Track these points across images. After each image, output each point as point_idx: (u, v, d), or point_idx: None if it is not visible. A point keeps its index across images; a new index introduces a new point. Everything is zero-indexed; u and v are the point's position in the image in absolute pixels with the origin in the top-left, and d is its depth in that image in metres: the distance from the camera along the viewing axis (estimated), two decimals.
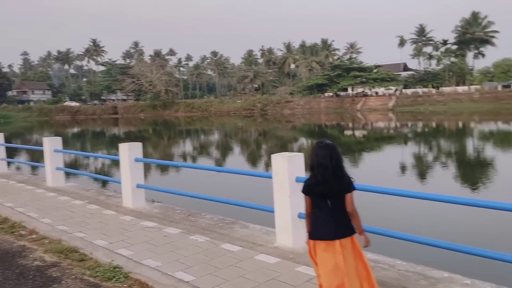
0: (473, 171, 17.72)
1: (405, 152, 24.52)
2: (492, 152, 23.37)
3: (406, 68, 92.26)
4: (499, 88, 68.50)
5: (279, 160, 4.96)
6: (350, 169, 18.81)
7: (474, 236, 7.97)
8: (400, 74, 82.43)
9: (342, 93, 79.51)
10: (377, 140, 32.64)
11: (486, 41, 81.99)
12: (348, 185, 3.06)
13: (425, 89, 74.71)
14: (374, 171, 17.46)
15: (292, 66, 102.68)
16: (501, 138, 31.52)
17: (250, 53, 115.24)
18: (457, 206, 4.18)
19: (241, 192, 11.15)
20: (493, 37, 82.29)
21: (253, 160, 23.38)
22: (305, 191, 3.13)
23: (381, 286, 3.77)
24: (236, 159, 24.00)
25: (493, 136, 32.55)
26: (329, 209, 3.06)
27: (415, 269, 4.14)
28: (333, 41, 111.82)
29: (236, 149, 29.75)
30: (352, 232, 3.09)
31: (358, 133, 39.09)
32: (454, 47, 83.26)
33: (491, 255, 3.72)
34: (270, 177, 5.10)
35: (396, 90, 77.35)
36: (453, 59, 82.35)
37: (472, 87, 71.99)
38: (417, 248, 5.82)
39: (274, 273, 4.06)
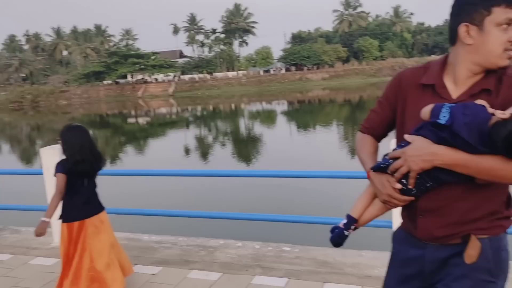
0: (247, 147, 19.65)
1: (189, 135, 25.48)
2: (260, 129, 26.27)
3: (182, 55, 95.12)
4: (261, 72, 77.02)
5: (49, 154, 4.56)
6: (134, 156, 18.67)
7: (235, 204, 8.90)
8: (177, 61, 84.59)
9: (122, 81, 77.39)
10: (161, 125, 33.01)
11: (248, 30, 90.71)
12: (103, 163, 3.30)
13: (201, 75, 78.64)
14: (161, 156, 17.70)
15: (65, 53, 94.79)
16: (265, 116, 35.64)
17: (12, 38, 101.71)
18: (225, 179, 4.63)
19: (10, 194, 9.95)
20: (253, 27, 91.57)
21: (27, 157, 21.02)
22: (66, 171, 3.10)
23: (165, 263, 3.97)
24: (5, 158, 21.18)
25: (259, 115, 36.56)
26: (86, 189, 3.22)
27: (195, 242, 4.46)
28: (107, 27, 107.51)
29: (5, 148, 26.20)
30: (102, 209, 3.31)
31: (142, 120, 38.86)
32: (222, 35, 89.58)
33: (253, 217, 4.26)
34: (41, 174, 4.71)
35: (175, 76, 79.21)
36: (222, 46, 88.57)
37: (240, 72, 79.04)
38: (197, 224, 6.26)
39: (53, 275, 3.83)
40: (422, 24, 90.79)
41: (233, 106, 48.73)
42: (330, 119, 28.51)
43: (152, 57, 77.02)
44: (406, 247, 1.75)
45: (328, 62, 74.29)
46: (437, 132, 1.51)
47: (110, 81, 76.21)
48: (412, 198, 1.60)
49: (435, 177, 1.53)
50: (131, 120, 39.70)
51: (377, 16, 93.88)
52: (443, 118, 1.49)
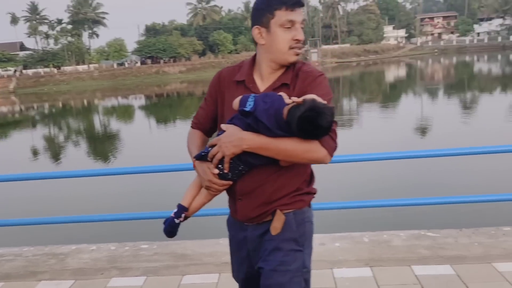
0: (103, 144, 18.68)
1: (36, 136, 23.36)
2: (117, 125, 25.19)
3: (23, 48, 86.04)
4: (115, 66, 73.63)
5: None
6: None
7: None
8: (18, 54, 76.33)
9: None
10: (1, 126, 29.83)
11: (98, 21, 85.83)
12: None
13: (47, 69, 72.18)
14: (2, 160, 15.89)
15: None
16: (122, 111, 34.28)
17: None
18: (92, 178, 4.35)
19: None
20: (104, 18, 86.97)
21: None
22: None
23: (7, 278, 3.62)
24: None
25: (115, 111, 35.01)
26: None
27: (43, 251, 4.13)
28: None
29: None
30: None
31: None
32: (70, 26, 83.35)
33: (108, 218, 4.08)
34: None
35: (16, 71, 71.47)
36: (70, 38, 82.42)
37: (92, 65, 74.48)
38: (46, 231, 5.78)
39: None
40: None
41: (85, 102, 45.81)
42: (190, 113, 28.56)
43: None
44: (236, 231, 1.94)
45: (185, 55, 74.10)
46: (244, 120, 1.71)
47: None
48: (230, 182, 1.79)
49: (245, 161, 1.73)
50: None
51: (230, 10, 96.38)
52: (249, 106, 1.68)
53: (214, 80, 1.98)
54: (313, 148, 1.67)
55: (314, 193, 1.91)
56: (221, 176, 1.76)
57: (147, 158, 13.33)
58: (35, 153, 17.64)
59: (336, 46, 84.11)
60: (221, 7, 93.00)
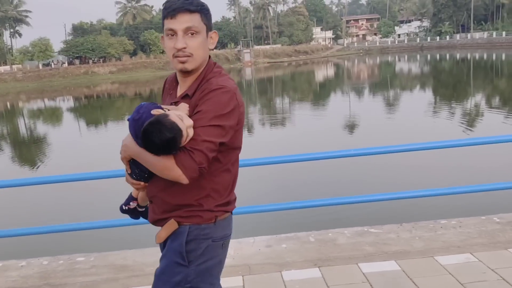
0: (30, 150, 17.57)
1: None
2: (44, 128, 23.82)
3: None
4: (40, 66, 69.78)
5: None
6: None
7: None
8: None
9: None
10: None
11: (20, 20, 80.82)
12: None
13: None
14: None
15: None
16: (49, 114, 32.49)
17: None
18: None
19: None
20: (27, 16, 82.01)
21: None
22: None
23: None
24: None
25: (41, 113, 33.11)
26: None
27: None
28: None
29: None
30: None
31: None
32: None
33: (39, 231, 3.78)
34: None
35: None
36: None
37: (15, 66, 70.08)
38: None
39: None
40: None
41: (8, 104, 42.94)
42: (122, 114, 27.62)
43: None
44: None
45: (115, 55, 71.71)
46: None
47: None
48: (139, 182, 1.86)
49: (137, 166, 1.79)
50: None
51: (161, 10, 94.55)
52: (133, 114, 1.74)
53: (163, 85, 2.08)
54: (168, 166, 1.66)
55: (225, 211, 1.87)
56: (130, 175, 1.86)
57: (77, 163, 12.67)
58: None
59: (267, 46, 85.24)
60: (152, 6, 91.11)
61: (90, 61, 70.82)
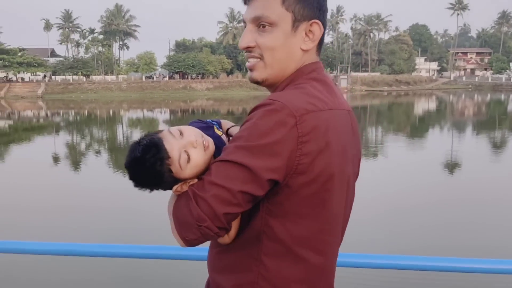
0: (124, 155, 17.75)
1: (58, 142, 22.65)
2: (138, 136, 24.32)
3: (54, 54, 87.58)
4: (144, 78, 73.95)
5: None
6: None
7: None
8: (48, 60, 77.48)
9: None
10: (26, 130, 29.46)
11: (129, 33, 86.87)
12: None
13: (76, 77, 72.93)
14: (24, 165, 15.07)
15: None
16: (147, 124, 33.56)
17: None
18: None
19: None
20: (135, 30, 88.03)
21: None
22: None
23: None
24: None
25: (140, 123, 34.35)
26: None
27: None
28: None
29: None
30: None
31: (3, 123, 34.21)
32: (101, 36, 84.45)
33: None
34: None
35: (45, 76, 72.41)
36: (100, 48, 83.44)
37: (120, 76, 75.04)
38: None
39: None
40: None
41: (111, 112, 45.50)
42: None
43: (19, 54, 69.42)
44: None
45: (213, 72, 74.03)
46: None
47: None
48: None
49: None
50: None
51: None
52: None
53: None
54: (169, 210, 1.18)
55: None
56: None
57: None
58: (55, 159, 16.87)
59: (365, 74, 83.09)
60: None
61: (189, 77, 73.61)
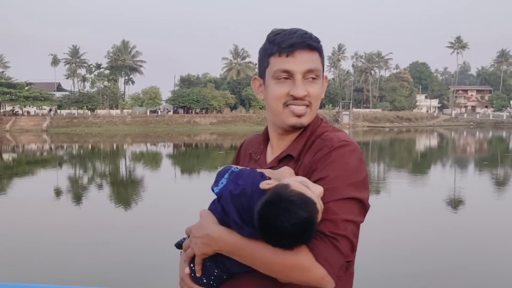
0: (126, 189, 17.85)
1: (61, 175, 22.80)
2: (142, 171, 24.47)
3: (60, 88, 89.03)
4: (148, 113, 74.80)
5: None
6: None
7: None
8: (54, 94, 78.71)
9: None
10: (29, 163, 29.63)
11: (135, 69, 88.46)
12: None
13: (81, 111, 73.83)
14: (25, 198, 15.15)
15: None
16: (150, 158, 33.76)
17: None
18: None
19: None
20: (141, 66, 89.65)
21: None
22: None
23: None
24: None
25: (143, 156, 34.56)
26: None
27: None
28: None
29: None
30: None
31: (7, 157, 34.46)
32: (107, 71, 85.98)
33: None
34: None
35: (51, 110, 73.34)
36: (106, 83, 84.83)
37: (125, 111, 75.90)
38: None
39: None
40: None
41: (115, 145, 45.83)
42: (216, 164, 27.77)
43: (26, 88, 70.62)
44: None
45: (217, 107, 74.86)
46: (217, 206, 1.28)
47: None
48: None
49: (221, 264, 1.28)
50: None
51: None
52: (220, 185, 1.26)
53: (238, 150, 1.65)
54: (301, 263, 1.14)
55: None
56: (195, 278, 1.33)
57: (164, 205, 12.26)
58: (58, 193, 16.96)
59: (367, 110, 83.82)
60: (256, 64, 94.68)
61: (193, 111, 74.39)
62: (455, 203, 14.40)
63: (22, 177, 22.95)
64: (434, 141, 53.38)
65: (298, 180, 1.17)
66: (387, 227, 10.11)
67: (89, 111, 74.01)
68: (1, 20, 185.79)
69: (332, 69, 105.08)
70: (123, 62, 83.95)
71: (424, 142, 50.95)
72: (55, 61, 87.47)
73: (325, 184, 1.20)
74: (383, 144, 47.13)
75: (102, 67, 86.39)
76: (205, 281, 1.31)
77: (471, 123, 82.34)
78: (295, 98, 1.32)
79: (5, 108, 71.66)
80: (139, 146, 45.57)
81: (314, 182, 1.20)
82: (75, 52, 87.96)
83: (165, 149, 42.58)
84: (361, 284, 6.47)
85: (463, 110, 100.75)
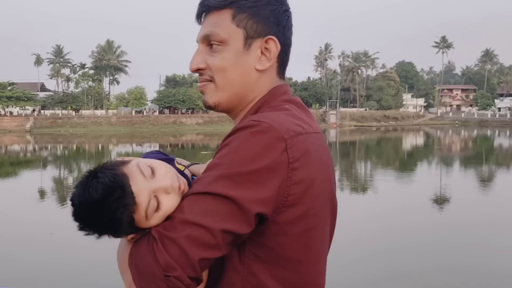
0: None
1: (45, 176, 22.33)
2: None
3: (43, 88, 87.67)
4: (133, 113, 74.04)
5: None
6: None
7: None
8: (37, 94, 77.45)
9: None
10: (12, 165, 29.09)
11: (120, 69, 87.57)
12: None
13: (65, 111, 72.81)
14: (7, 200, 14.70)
15: None
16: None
17: None
18: None
19: None
20: (126, 66, 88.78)
21: None
22: None
23: None
24: None
25: (128, 156, 34.08)
26: None
27: None
28: None
29: None
30: None
31: None
32: (92, 71, 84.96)
33: None
34: None
35: (34, 110, 72.20)
36: (90, 83, 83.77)
37: (110, 111, 75.04)
38: None
39: None
40: (290, 79, 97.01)
41: (100, 146, 45.19)
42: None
43: (9, 88, 69.31)
44: None
45: (203, 107, 74.35)
46: None
47: None
48: None
49: None
50: None
51: None
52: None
53: None
54: (121, 263, 0.99)
55: None
56: None
57: None
58: (41, 194, 16.53)
59: (354, 109, 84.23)
60: None
61: (179, 112, 73.82)
62: (441, 200, 14.35)
63: (4, 178, 22.47)
64: (420, 140, 53.71)
65: (143, 163, 0.98)
66: (373, 224, 9.96)
67: (74, 112, 72.98)
68: None
69: (319, 68, 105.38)
70: (107, 62, 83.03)
71: (410, 141, 51.23)
72: (38, 61, 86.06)
73: (203, 173, 0.96)
74: (370, 143, 47.28)
75: (87, 67, 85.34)
76: None
77: (457, 122, 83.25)
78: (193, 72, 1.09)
79: None
80: (125, 146, 45.00)
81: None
82: (58, 52, 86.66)
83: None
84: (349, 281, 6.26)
85: (448, 109, 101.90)
